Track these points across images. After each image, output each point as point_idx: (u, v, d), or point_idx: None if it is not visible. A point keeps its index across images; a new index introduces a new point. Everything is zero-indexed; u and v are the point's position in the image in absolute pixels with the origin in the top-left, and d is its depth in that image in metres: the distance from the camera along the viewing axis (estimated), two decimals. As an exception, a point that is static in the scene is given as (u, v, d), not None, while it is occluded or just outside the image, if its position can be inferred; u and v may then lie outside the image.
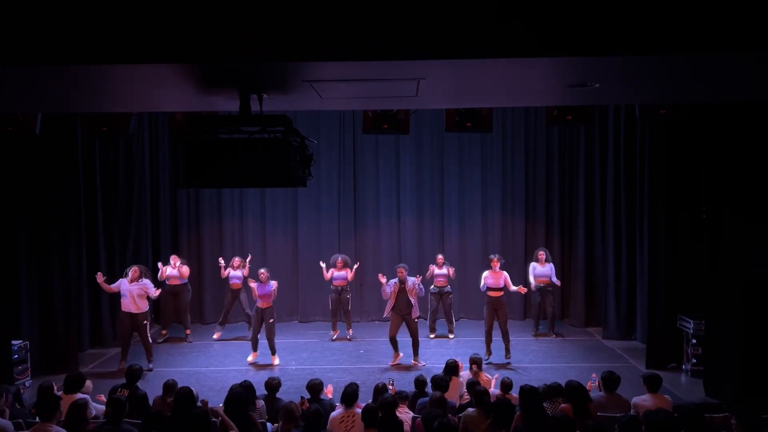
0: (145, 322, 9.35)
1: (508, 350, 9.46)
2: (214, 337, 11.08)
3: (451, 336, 10.96)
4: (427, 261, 11.88)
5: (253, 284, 9.63)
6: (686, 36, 3.68)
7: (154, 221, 12.16)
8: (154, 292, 9.56)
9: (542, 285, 10.91)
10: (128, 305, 9.30)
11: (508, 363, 9.35)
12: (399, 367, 9.33)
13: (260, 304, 9.55)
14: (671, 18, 3.66)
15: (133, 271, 9.42)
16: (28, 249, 9.22)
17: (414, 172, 12.54)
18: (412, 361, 9.40)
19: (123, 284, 9.37)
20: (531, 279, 10.90)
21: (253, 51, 3.78)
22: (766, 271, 7.40)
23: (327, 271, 10.84)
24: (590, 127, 11.22)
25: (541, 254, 11.03)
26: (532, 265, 11.07)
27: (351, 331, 10.99)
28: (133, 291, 9.30)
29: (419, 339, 9.48)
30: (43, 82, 4.60)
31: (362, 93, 5.31)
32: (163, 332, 11.09)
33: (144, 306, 9.37)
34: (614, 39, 3.71)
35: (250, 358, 9.60)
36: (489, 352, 9.50)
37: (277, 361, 9.56)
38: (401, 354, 9.45)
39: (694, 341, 8.80)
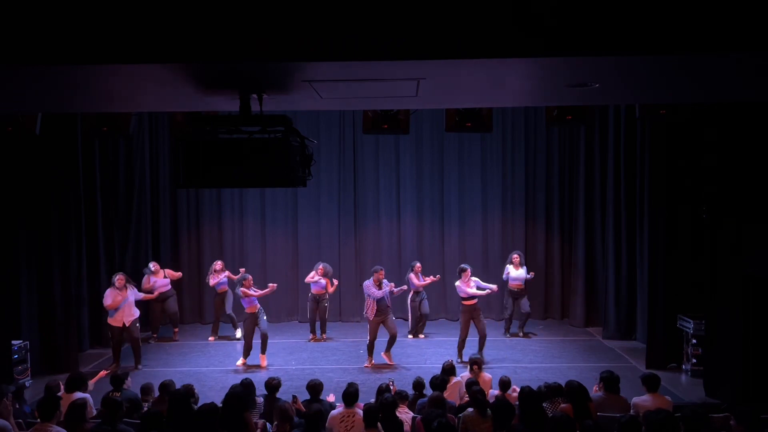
0: (137, 324, 9.38)
1: (480, 349, 9.44)
2: (210, 339, 11.09)
3: (421, 336, 11.06)
4: (427, 261, 11.90)
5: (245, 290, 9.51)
6: (685, 36, 3.68)
7: (154, 221, 12.16)
8: (141, 297, 9.55)
9: (515, 290, 10.88)
10: (119, 319, 9.25)
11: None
12: (385, 366, 9.35)
13: (248, 309, 9.48)
14: (670, 18, 3.66)
15: (118, 279, 9.32)
16: (28, 249, 9.23)
17: (414, 172, 12.54)
18: (382, 354, 9.47)
19: (108, 297, 9.25)
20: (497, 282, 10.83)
21: (253, 51, 3.78)
22: (765, 271, 7.40)
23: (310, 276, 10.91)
24: (590, 127, 11.23)
25: (516, 257, 10.94)
26: (507, 268, 11.00)
27: (325, 335, 11.02)
28: (123, 305, 9.24)
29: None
30: (43, 82, 4.60)
31: (362, 93, 5.31)
32: (154, 335, 11.08)
33: (133, 315, 9.34)
34: (613, 39, 3.70)
35: (239, 363, 9.55)
36: (460, 356, 9.52)
37: (265, 362, 9.48)
38: (373, 361, 9.51)
39: (694, 341, 8.80)
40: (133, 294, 9.41)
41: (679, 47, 3.72)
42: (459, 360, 9.37)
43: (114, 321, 9.27)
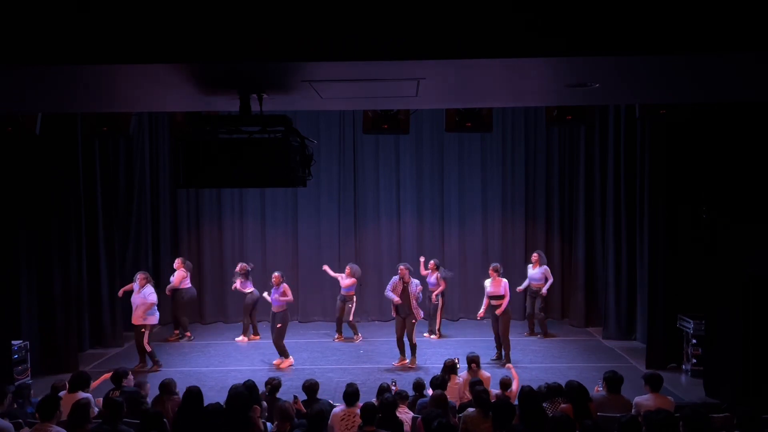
0: (143, 330, 9.29)
1: (503, 355, 9.46)
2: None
3: (432, 336, 10.92)
4: (427, 261, 11.88)
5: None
6: (685, 36, 3.69)
7: (154, 221, 12.17)
8: (153, 299, 9.47)
9: (533, 288, 10.94)
10: (134, 318, 9.35)
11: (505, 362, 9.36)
12: (401, 368, 9.34)
13: (273, 308, 9.55)
14: (671, 18, 3.66)
15: (139, 278, 9.41)
16: (28, 249, 9.23)
17: (414, 172, 12.54)
18: (408, 363, 9.40)
19: (133, 297, 9.43)
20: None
21: (253, 51, 3.78)
22: (766, 271, 7.40)
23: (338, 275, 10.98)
24: (590, 127, 11.22)
25: (534, 257, 11.03)
26: (529, 266, 11.09)
27: (358, 336, 10.95)
28: (137, 302, 9.31)
29: (415, 341, 9.45)
30: (44, 82, 4.60)
31: (362, 93, 5.31)
32: (187, 334, 11.12)
33: (150, 319, 9.33)
34: (614, 39, 3.71)
35: (285, 364, 9.52)
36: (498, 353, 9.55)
37: (284, 364, 9.50)
38: (406, 360, 9.43)
39: (694, 341, 8.80)
40: (141, 296, 9.32)
41: (679, 47, 3.73)
42: (496, 359, 9.42)
43: (132, 319, 9.44)
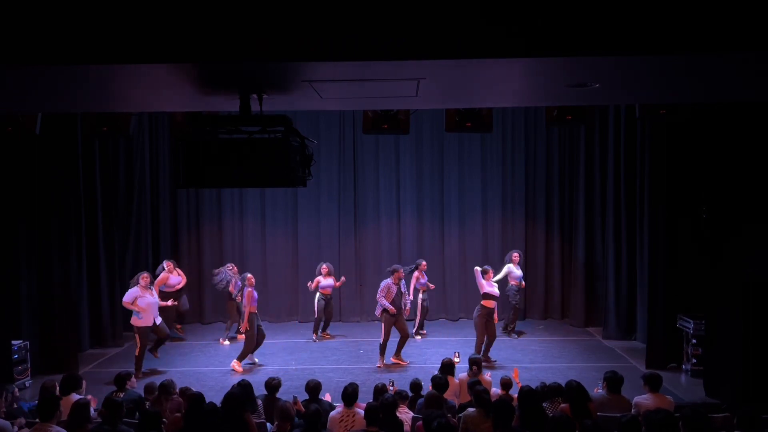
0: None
1: (487, 351, 9.47)
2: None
3: (418, 338, 10.88)
4: (427, 261, 11.88)
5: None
6: (685, 36, 3.69)
7: (154, 221, 12.17)
8: (161, 304, 9.39)
9: (522, 288, 10.92)
10: (150, 319, 9.06)
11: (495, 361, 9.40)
12: (395, 367, 9.36)
13: (252, 308, 9.34)
14: (670, 18, 3.67)
15: (143, 278, 9.16)
16: (28, 249, 9.23)
17: (414, 172, 12.54)
18: (392, 359, 9.43)
19: (140, 299, 9.01)
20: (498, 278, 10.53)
21: (253, 51, 3.78)
22: (766, 272, 7.40)
23: (312, 283, 10.83)
24: (590, 127, 11.22)
25: (515, 256, 10.89)
26: (509, 266, 10.80)
27: (328, 333, 11.04)
28: (152, 302, 9.13)
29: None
30: (44, 82, 4.60)
31: (362, 93, 5.31)
32: (178, 326, 11.17)
33: (159, 318, 9.27)
34: (613, 39, 3.71)
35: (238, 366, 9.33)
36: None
37: (238, 368, 9.18)
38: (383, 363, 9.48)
39: (694, 341, 8.80)
40: (156, 296, 9.29)
41: (679, 47, 3.73)
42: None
43: (143, 322, 8.99)
